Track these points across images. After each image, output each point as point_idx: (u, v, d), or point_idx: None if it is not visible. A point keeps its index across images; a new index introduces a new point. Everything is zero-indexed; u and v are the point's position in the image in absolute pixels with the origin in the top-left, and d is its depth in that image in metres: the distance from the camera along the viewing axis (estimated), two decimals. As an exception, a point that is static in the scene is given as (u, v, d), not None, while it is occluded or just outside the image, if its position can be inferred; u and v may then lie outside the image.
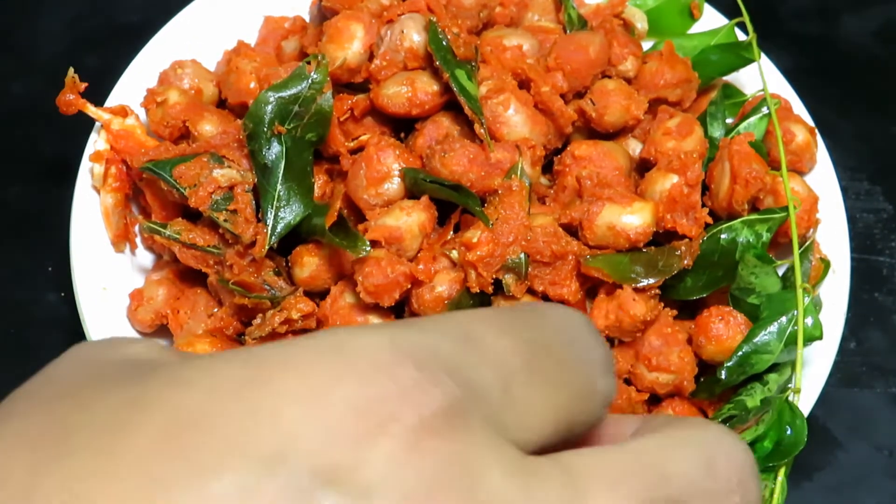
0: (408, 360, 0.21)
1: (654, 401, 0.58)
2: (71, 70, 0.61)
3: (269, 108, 0.56)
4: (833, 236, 0.62)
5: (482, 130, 0.56)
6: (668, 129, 0.60)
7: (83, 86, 0.61)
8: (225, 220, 0.55)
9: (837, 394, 0.67)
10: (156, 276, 0.60)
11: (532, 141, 0.57)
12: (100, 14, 0.84)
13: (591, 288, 0.56)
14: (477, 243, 0.53)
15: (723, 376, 0.54)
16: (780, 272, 0.58)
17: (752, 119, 0.63)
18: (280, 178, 0.56)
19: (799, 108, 0.66)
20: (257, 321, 0.55)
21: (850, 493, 0.66)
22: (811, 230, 0.60)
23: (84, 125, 0.62)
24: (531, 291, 0.55)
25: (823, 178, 0.64)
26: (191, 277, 0.60)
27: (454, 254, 0.54)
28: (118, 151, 0.60)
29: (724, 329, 0.56)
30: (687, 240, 0.56)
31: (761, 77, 0.65)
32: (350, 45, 0.58)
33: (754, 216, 0.58)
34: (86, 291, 0.58)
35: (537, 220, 0.55)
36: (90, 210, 0.60)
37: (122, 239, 0.61)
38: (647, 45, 0.67)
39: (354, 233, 0.53)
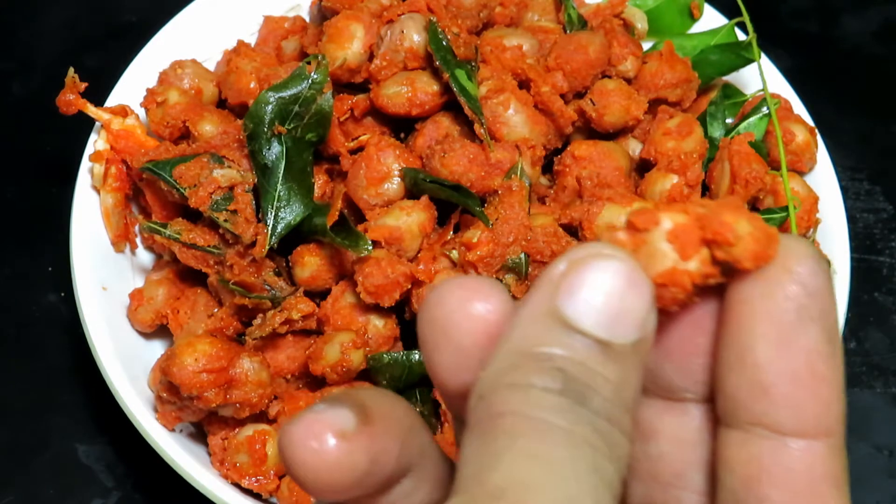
0: None
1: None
2: (71, 70, 0.61)
3: (270, 108, 0.56)
4: (833, 236, 0.62)
5: (482, 130, 0.56)
6: (668, 130, 0.59)
7: (83, 86, 0.61)
8: (225, 221, 0.55)
9: (837, 394, 0.67)
10: (156, 276, 0.60)
11: (532, 141, 0.57)
12: (100, 14, 0.84)
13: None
14: (477, 243, 0.53)
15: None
16: (780, 272, 0.58)
17: (752, 119, 0.63)
18: (280, 178, 0.56)
19: (799, 108, 0.66)
20: (257, 321, 0.55)
21: (851, 493, 0.66)
22: (811, 230, 0.60)
23: (84, 125, 0.62)
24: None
25: (823, 178, 0.64)
26: (191, 277, 0.60)
27: (454, 254, 0.54)
28: (118, 151, 0.60)
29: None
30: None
31: (761, 77, 0.65)
32: (350, 45, 0.58)
33: (754, 216, 0.58)
34: (86, 291, 0.58)
35: (537, 220, 0.55)
36: (90, 210, 0.60)
37: (122, 239, 0.61)
38: (647, 45, 0.67)
39: (356, 232, 0.53)
